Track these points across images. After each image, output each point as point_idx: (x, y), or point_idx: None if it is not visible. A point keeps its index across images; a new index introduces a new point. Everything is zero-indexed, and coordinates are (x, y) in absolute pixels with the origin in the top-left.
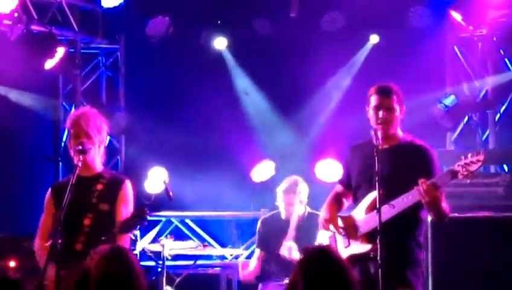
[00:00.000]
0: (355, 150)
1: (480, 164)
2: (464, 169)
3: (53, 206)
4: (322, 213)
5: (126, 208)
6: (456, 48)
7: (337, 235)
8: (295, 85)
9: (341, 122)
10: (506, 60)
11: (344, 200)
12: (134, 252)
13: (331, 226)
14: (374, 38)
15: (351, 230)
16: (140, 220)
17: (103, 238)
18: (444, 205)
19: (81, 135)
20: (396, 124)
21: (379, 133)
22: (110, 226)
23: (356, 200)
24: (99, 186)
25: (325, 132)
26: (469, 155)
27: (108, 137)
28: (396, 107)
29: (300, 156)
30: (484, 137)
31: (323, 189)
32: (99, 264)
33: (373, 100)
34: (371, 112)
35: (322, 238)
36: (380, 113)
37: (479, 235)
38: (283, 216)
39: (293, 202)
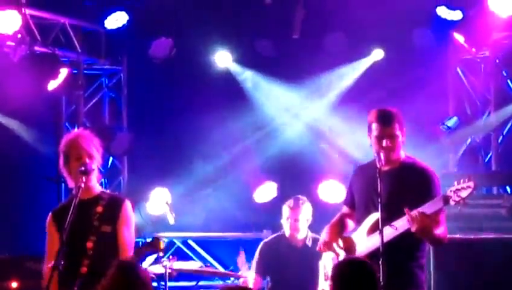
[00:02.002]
0: (358, 172)
1: (470, 190)
2: (456, 195)
3: (54, 230)
4: (323, 235)
5: (128, 229)
6: (458, 70)
7: (340, 255)
8: None
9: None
10: (509, 81)
11: (349, 221)
12: None
13: (331, 248)
14: (377, 53)
15: (351, 252)
16: (153, 251)
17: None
18: (439, 230)
19: (83, 155)
20: (399, 150)
21: (382, 155)
22: (114, 247)
23: (358, 222)
24: (99, 209)
25: (326, 153)
26: (461, 181)
27: (111, 158)
28: (399, 133)
29: (303, 177)
30: (487, 159)
31: (326, 210)
32: (108, 279)
33: (374, 129)
34: (372, 140)
35: (326, 259)
36: (384, 142)
37: (481, 257)
38: (287, 234)
39: (298, 218)
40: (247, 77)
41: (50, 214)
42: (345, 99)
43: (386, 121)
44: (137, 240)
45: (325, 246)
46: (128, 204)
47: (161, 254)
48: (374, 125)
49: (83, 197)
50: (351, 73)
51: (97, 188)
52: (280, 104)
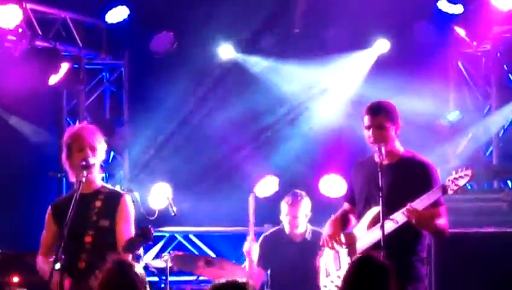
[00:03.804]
0: (357, 168)
1: (468, 178)
2: (453, 184)
3: (53, 224)
4: (326, 230)
5: (126, 224)
6: (459, 63)
7: (340, 251)
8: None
9: (344, 137)
10: (510, 75)
11: (351, 217)
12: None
13: (334, 243)
14: (382, 45)
15: (353, 246)
16: (144, 240)
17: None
18: (441, 221)
19: (85, 147)
20: (390, 141)
21: (383, 149)
22: (112, 242)
23: (358, 217)
24: (98, 203)
25: (329, 147)
26: (459, 170)
27: (112, 152)
28: (388, 124)
29: (304, 171)
30: (488, 153)
31: (327, 204)
32: (103, 277)
33: (365, 120)
34: (364, 132)
35: (326, 255)
36: (370, 131)
37: (482, 251)
38: (287, 231)
39: (297, 215)
40: (253, 63)
41: (50, 207)
42: (345, 95)
43: (374, 111)
44: None
45: (329, 240)
46: (127, 199)
47: (150, 243)
48: (365, 118)
49: (84, 191)
50: (355, 65)
51: (98, 183)
52: (284, 99)
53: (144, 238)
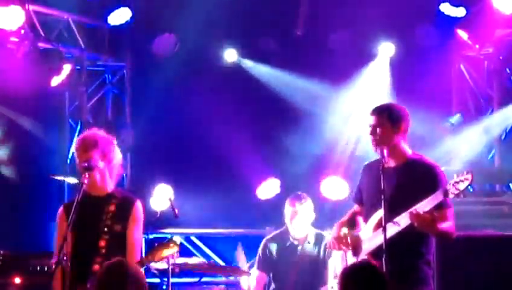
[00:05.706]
0: (366, 169)
1: (468, 182)
2: (454, 187)
3: (65, 224)
4: (333, 231)
5: (137, 229)
6: (462, 66)
7: (348, 253)
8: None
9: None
10: None
11: (359, 219)
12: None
13: (341, 245)
14: (388, 48)
15: (358, 248)
16: (172, 250)
17: None
18: (445, 225)
19: (88, 149)
20: (393, 143)
21: (385, 152)
22: (124, 247)
23: (365, 219)
24: (112, 208)
25: (331, 150)
26: (459, 174)
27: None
28: (388, 124)
29: (306, 173)
30: (490, 156)
31: (329, 207)
32: (99, 277)
33: (368, 121)
34: (368, 133)
35: (335, 257)
36: (369, 130)
37: (484, 254)
38: (289, 231)
39: (300, 216)
40: (256, 67)
41: (61, 207)
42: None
43: (374, 110)
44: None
45: (335, 242)
46: (139, 204)
47: (176, 255)
48: (368, 118)
49: (96, 194)
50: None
51: (110, 187)
52: (288, 100)
53: (169, 249)
